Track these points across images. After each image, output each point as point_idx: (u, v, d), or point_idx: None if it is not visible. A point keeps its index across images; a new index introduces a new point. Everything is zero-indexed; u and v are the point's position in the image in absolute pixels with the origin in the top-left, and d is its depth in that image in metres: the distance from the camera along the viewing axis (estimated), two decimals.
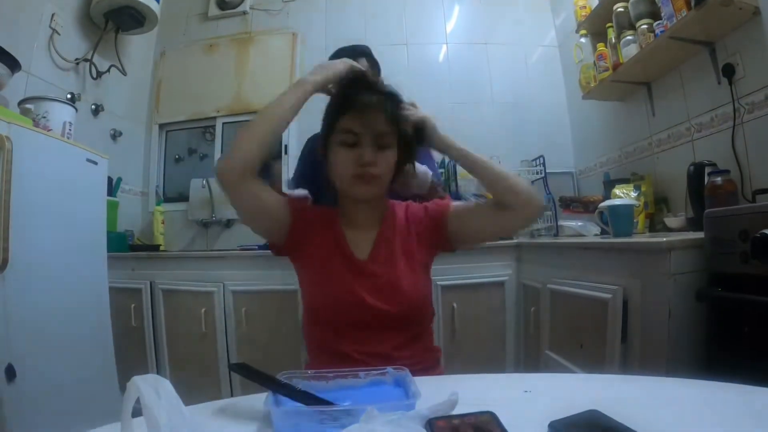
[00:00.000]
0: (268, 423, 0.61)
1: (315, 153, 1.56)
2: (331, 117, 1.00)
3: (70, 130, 1.96)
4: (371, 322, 0.97)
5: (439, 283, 2.05)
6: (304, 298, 1.06)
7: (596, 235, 2.03)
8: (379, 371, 0.71)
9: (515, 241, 2.34)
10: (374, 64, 1.80)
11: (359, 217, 1.06)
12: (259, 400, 0.69)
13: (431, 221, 1.07)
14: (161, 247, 2.88)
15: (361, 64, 1.73)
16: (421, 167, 1.53)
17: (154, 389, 0.47)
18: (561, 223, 2.36)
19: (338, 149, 0.97)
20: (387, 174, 1.00)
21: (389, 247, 1.03)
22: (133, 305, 2.38)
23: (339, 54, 1.80)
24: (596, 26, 2.34)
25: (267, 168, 1.04)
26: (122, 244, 2.67)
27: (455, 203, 1.10)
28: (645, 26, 1.93)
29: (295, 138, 3.09)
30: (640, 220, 1.93)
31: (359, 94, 0.97)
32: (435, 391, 0.58)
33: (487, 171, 1.00)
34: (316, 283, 1.01)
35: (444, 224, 1.06)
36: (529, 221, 1.07)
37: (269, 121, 0.96)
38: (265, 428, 0.60)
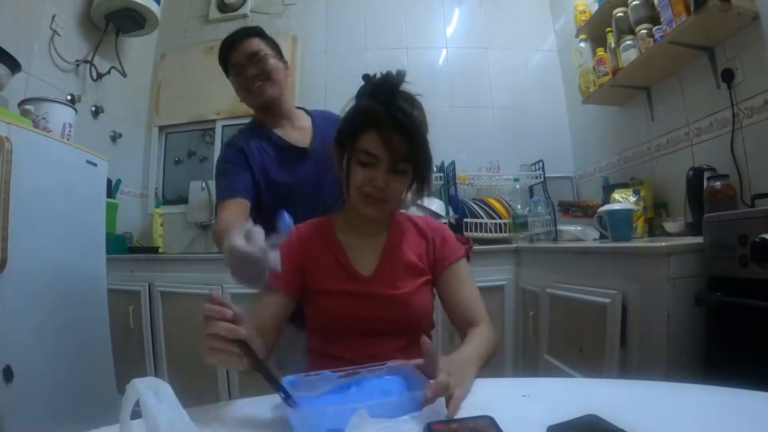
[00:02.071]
0: (266, 425, 0.61)
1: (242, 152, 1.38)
2: (352, 128, 0.96)
3: (69, 131, 1.96)
4: (373, 331, 0.97)
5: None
6: (307, 314, 1.05)
7: (595, 239, 2.03)
8: (379, 365, 0.72)
9: (514, 245, 2.34)
10: (271, 43, 1.54)
11: (365, 226, 1.05)
12: (257, 402, 0.69)
13: (438, 256, 1.06)
14: (160, 249, 2.87)
15: (252, 45, 1.52)
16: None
17: (154, 392, 0.47)
18: (560, 227, 2.36)
19: (354, 164, 0.95)
20: (396, 198, 0.98)
21: (394, 261, 1.02)
22: (131, 307, 2.37)
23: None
24: (596, 31, 2.35)
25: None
26: (121, 246, 2.66)
27: (461, 267, 1.06)
28: (644, 31, 1.94)
29: None
30: (639, 224, 1.93)
31: (385, 113, 0.91)
32: None
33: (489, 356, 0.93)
34: (321, 304, 1.00)
35: (439, 268, 1.05)
36: None
37: None
38: (263, 430, 0.60)
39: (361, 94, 1.00)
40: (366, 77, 1.01)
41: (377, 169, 0.93)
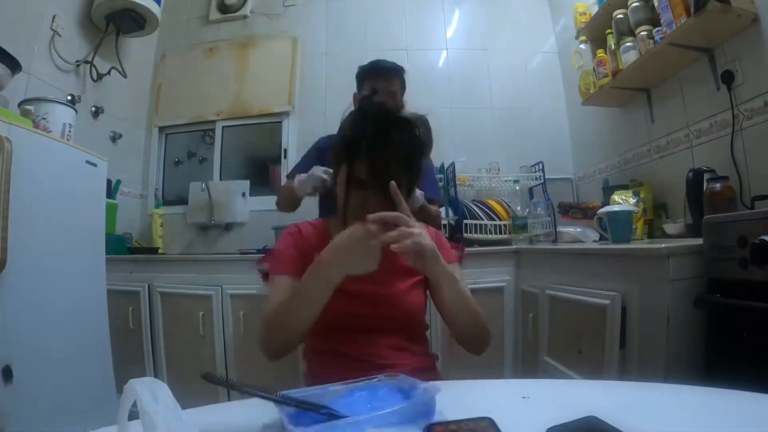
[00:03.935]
0: (264, 427, 0.60)
1: (322, 152, 1.65)
2: (346, 150, 0.98)
3: (69, 131, 1.95)
4: (367, 328, 0.99)
5: None
6: None
7: (595, 241, 2.03)
8: (372, 378, 0.70)
9: (514, 246, 2.34)
10: (403, 85, 1.84)
11: None
12: (256, 404, 0.69)
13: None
14: (160, 250, 2.87)
15: (394, 85, 1.78)
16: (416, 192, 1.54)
17: (151, 392, 0.47)
18: (560, 229, 2.36)
19: (349, 183, 0.97)
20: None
21: (387, 260, 1.01)
22: (131, 308, 2.37)
23: (372, 66, 1.83)
24: (596, 32, 2.35)
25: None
26: (121, 247, 2.66)
27: (453, 270, 1.05)
28: (644, 33, 1.94)
29: (295, 141, 3.11)
30: (639, 226, 1.93)
31: (373, 142, 0.94)
32: None
33: (461, 300, 0.97)
34: None
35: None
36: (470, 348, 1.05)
37: (298, 321, 0.90)
38: None
39: (357, 116, 1.02)
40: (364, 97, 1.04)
41: (368, 193, 0.94)
